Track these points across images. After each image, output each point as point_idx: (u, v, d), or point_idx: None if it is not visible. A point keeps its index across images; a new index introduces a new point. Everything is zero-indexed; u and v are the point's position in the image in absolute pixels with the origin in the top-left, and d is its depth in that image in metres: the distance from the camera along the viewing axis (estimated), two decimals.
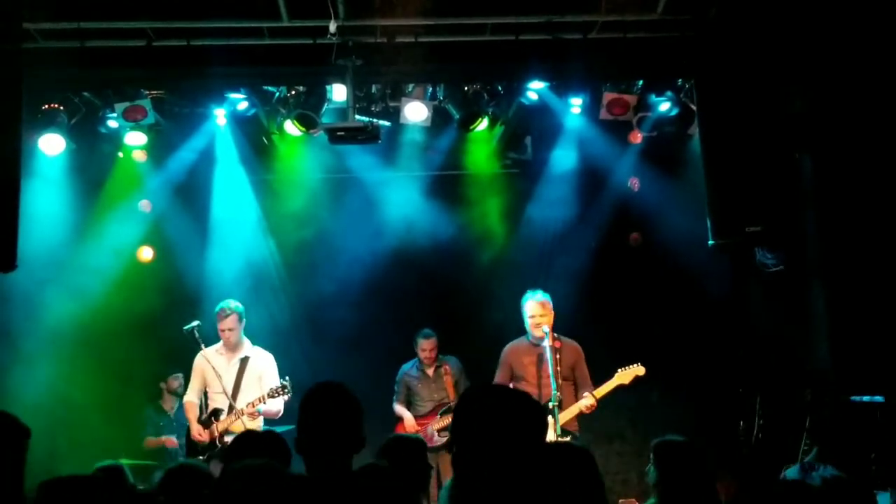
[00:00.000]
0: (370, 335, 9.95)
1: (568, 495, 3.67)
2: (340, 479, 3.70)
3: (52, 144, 8.76)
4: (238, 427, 8.00)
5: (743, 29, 7.69)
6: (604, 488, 4.03)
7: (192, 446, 8.31)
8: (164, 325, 9.28)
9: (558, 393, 7.73)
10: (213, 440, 8.16)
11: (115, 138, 9.38)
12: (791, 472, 5.02)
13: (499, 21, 7.85)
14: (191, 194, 10.14)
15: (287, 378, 8.11)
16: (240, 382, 8.28)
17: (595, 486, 3.93)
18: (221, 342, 8.44)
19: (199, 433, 8.20)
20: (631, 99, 8.83)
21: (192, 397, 8.47)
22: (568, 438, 7.88)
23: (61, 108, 8.76)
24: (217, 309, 8.41)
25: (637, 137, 9.40)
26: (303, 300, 10.42)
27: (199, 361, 8.44)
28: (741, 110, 7.65)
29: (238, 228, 10.28)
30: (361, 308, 10.00)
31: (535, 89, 8.92)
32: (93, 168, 9.72)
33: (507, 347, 8.43)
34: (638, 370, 8.09)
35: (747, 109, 7.65)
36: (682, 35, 7.96)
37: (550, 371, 7.79)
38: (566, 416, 7.91)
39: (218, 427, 8.17)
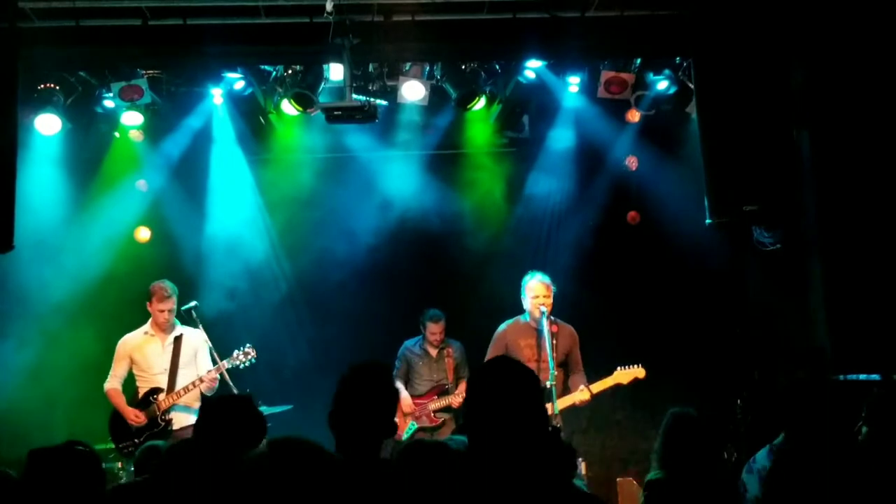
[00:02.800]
0: (368, 313, 9.95)
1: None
2: (369, 461, 3.73)
3: (48, 124, 8.73)
4: (187, 402, 8.12)
5: (741, 5, 7.67)
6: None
7: (122, 431, 8.21)
8: None
9: (556, 374, 7.75)
10: (153, 419, 8.15)
11: (111, 118, 9.36)
12: (760, 456, 5.01)
13: None
14: (188, 174, 10.10)
15: (249, 345, 8.22)
16: (177, 362, 8.27)
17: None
18: (150, 322, 8.40)
19: (135, 416, 8.14)
20: (629, 77, 8.82)
21: (115, 384, 8.33)
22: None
23: (57, 87, 8.73)
24: (156, 289, 8.36)
25: (635, 116, 9.37)
26: (300, 279, 10.41)
27: (127, 347, 8.41)
28: (739, 88, 7.64)
29: (235, 208, 10.24)
30: (359, 286, 10.01)
31: (533, 68, 8.90)
32: (89, 148, 9.70)
33: (503, 326, 8.34)
34: (638, 372, 8.08)
35: (745, 87, 7.63)
36: (679, 12, 7.94)
37: (549, 355, 7.79)
38: (560, 404, 7.81)
39: (160, 406, 8.15)
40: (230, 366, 8.13)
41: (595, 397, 8.05)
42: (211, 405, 4.75)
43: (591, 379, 8.13)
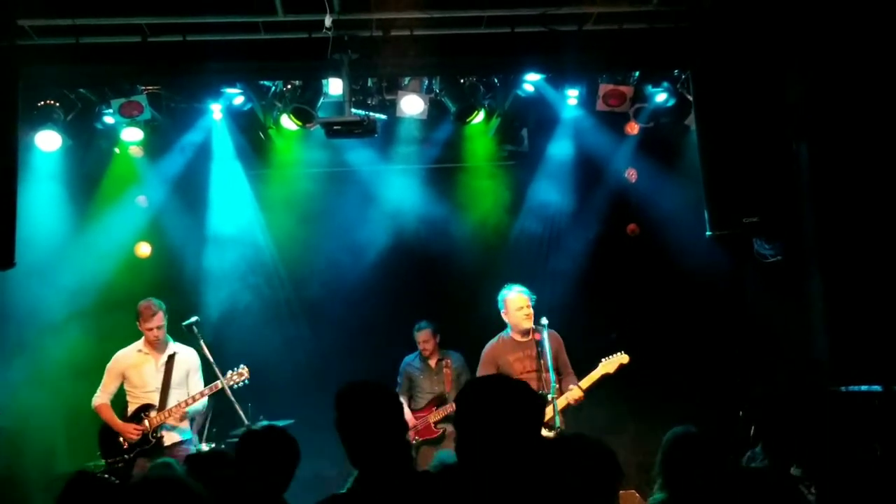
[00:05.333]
0: (369, 327, 9.97)
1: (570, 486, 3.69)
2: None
3: (48, 141, 8.74)
4: (174, 420, 8.10)
5: (739, 18, 7.69)
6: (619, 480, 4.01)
7: (112, 447, 8.16)
8: None
9: (555, 384, 7.75)
10: (144, 436, 8.11)
11: (111, 134, 9.37)
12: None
13: (494, 14, 7.84)
14: (188, 189, 10.12)
15: (242, 366, 8.19)
16: (169, 381, 8.24)
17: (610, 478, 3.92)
18: (143, 340, 8.36)
19: (134, 431, 8.10)
20: (627, 90, 8.82)
21: (104, 399, 8.29)
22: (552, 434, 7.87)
23: (57, 104, 8.74)
24: (141, 308, 8.31)
25: (634, 128, 9.38)
26: (300, 293, 10.43)
27: (120, 364, 8.37)
28: (738, 100, 7.67)
29: (235, 223, 10.27)
30: (360, 301, 10.03)
31: (532, 81, 8.91)
32: (89, 164, 9.71)
33: (488, 347, 8.32)
34: (622, 358, 8.07)
35: (744, 99, 7.66)
36: (677, 26, 7.96)
37: (550, 366, 7.79)
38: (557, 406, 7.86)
39: (151, 423, 8.13)
40: (223, 385, 8.09)
41: (587, 392, 8.02)
42: (248, 437, 4.79)
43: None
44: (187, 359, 8.34)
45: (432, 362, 9.31)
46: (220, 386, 8.08)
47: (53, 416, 9.32)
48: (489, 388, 3.27)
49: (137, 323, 8.32)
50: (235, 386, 8.11)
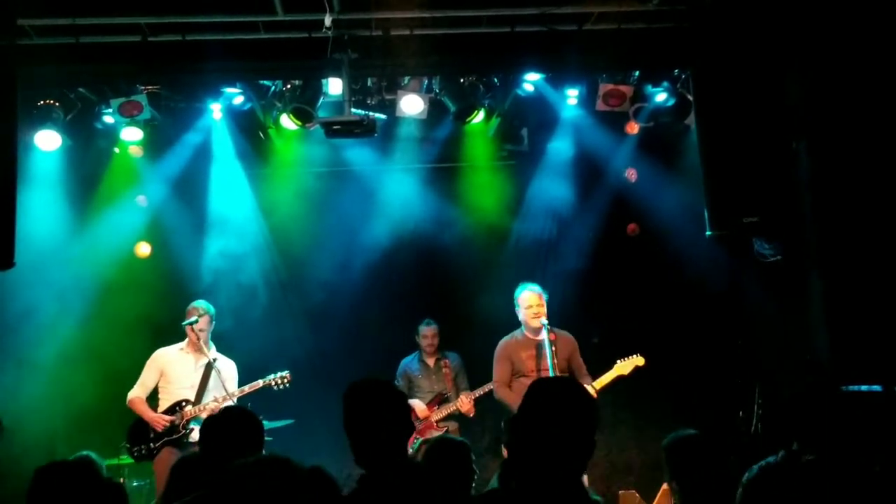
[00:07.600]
0: (368, 328, 9.99)
1: None
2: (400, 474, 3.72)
3: (47, 141, 8.73)
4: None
5: (739, 18, 7.68)
6: None
7: (139, 435, 8.19)
8: (162, 320, 9.29)
9: None
10: (174, 426, 8.14)
11: (110, 134, 9.35)
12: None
13: (494, 13, 7.84)
14: (187, 189, 10.12)
15: (287, 371, 8.25)
16: (205, 384, 8.29)
17: None
18: (186, 341, 8.41)
19: (165, 421, 8.12)
20: (627, 90, 8.81)
21: (139, 393, 8.32)
22: None
23: (56, 104, 8.72)
24: (189, 308, 8.42)
25: (634, 128, 9.38)
26: (301, 293, 10.42)
27: (160, 359, 8.42)
28: (738, 100, 7.66)
29: (235, 223, 10.27)
30: (359, 301, 10.04)
31: (531, 81, 8.91)
32: (89, 164, 9.71)
33: (503, 342, 8.41)
34: (637, 360, 8.15)
35: (744, 99, 7.65)
36: (677, 25, 7.96)
37: (549, 364, 7.82)
38: None
39: (184, 415, 8.15)
40: (263, 384, 8.20)
41: (600, 393, 8.10)
42: (212, 418, 4.77)
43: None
44: (225, 369, 8.40)
45: (430, 362, 9.30)
46: (260, 385, 8.18)
47: (54, 417, 9.31)
48: (560, 390, 3.24)
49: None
50: (277, 388, 8.21)
